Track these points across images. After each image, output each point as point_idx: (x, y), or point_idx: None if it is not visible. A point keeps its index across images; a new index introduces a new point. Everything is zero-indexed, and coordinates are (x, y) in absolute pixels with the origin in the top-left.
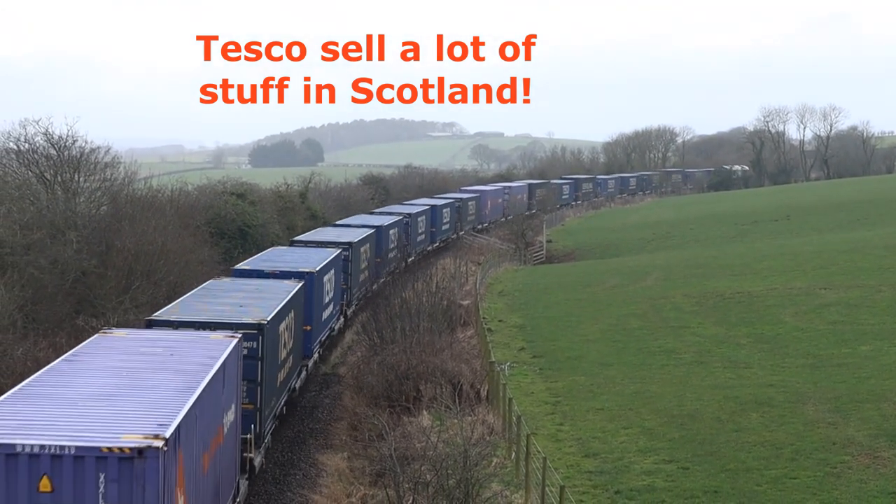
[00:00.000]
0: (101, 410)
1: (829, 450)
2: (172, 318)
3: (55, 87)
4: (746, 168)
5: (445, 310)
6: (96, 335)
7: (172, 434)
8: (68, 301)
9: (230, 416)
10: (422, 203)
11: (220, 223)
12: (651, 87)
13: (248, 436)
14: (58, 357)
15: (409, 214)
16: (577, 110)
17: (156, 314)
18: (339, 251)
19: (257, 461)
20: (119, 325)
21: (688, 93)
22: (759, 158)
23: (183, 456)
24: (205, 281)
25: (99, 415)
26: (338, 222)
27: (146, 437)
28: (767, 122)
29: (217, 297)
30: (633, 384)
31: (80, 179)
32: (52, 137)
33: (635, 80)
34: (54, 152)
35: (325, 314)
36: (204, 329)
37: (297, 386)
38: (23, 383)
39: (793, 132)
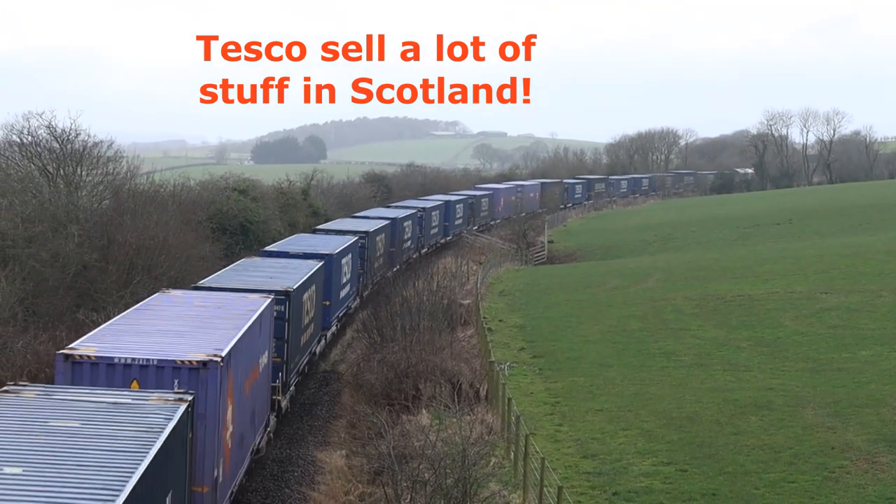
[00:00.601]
0: (171, 339)
1: (827, 454)
2: (214, 284)
3: (58, 81)
4: (752, 171)
5: (446, 309)
6: (157, 293)
7: (226, 355)
8: (69, 295)
9: (264, 360)
10: (436, 199)
11: (222, 219)
12: (654, 89)
13: (277, 383)
14: (57, 350)
15: (423, 209)
16: (581, 111)
17: (200, 282)
18: (356, 238)
19: (283, 404)
20: None
21: (691, 95)
22: (762, 162)
23: (232, 374)
24: (206, 276)
25: (171, 341)
26: (356, 214)
27: (208, 355)
28: (770, 125)
29: (250, 270)
30: (633, 386)
31: (83, 173)
32: (55, 131)
33: (639, 81)
34: (57, 146)
35: (343, 293)
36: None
37: (318, 350)
38: (106, 324)
39: (796, 136)
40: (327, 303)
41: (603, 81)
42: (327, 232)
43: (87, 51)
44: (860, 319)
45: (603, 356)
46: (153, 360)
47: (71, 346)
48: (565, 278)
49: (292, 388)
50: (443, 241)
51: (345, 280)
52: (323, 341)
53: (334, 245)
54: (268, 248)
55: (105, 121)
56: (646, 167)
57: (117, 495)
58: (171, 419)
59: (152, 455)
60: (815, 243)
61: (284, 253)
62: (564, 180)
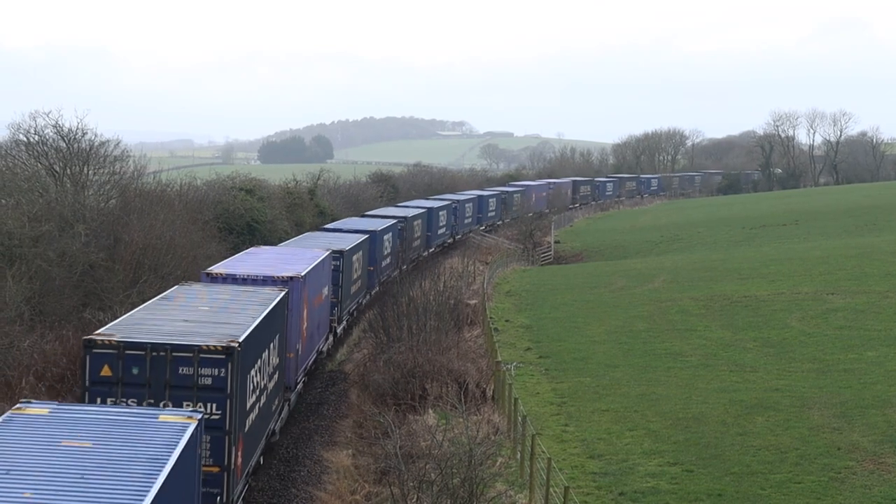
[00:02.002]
0: (268, 266)
1: (833, 455)
2: (290, 245)
3: (65, 79)
4: (780, 171)
5: (452, 309)
6: (252, 248)
7: (304, 275)
8: (76, 294)
9: (325, 291)
10: (470, 193)
11: (229, 218)
12: (661, 90)
13: (334, 315)
14: (63, 350)
15: (457, 201)
16: (587, 111)
17: (280, 244)
18: (395, 221)
19: (338, 329)
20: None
21: (698, 95)
22: (769, 163)
23: (307, 290)
24: None
25: (269, 267)
26: (399, 203)
27: (293, 274)
28: (777, 126)
29: (315, 239)
30: (639, 386)
31: (90, 172)
32: (62, 130)
33: (646, 82)
34: (64, 145)
35: (384, 263)
36: None
37: (363, 302)
38: (226, 260)
39: (802, 137)
40: (371, 268)
41: (610, 82)
42: (373, 216)
43: (95, 49)
44: (866, 320)
45: (609, 357)
46: (260, 275)
47: (208, 269)
48: (572, 279)
49: (344, 322)
50: (476, 228)
51: (386, 253)
52: (368, 296)
53: (378, 224)
54: (326, 225)
55: (112, 120)
56: (652, 168)
57: (259, 314)
58: (278, 296)
59: (271, 306)
60: (821, 244)
61: (338, 229)
62: (596, 178)
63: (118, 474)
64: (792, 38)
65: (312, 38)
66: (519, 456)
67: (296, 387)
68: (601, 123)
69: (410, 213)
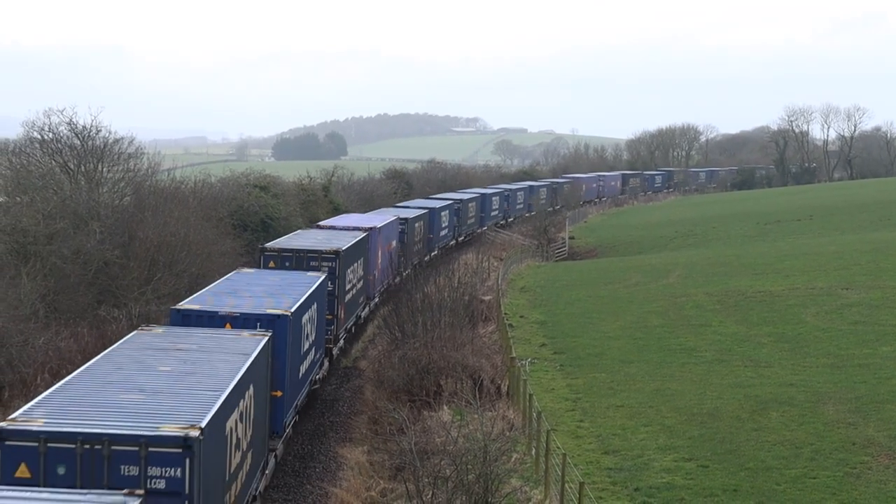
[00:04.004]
0: (356, 221)
1: (848, 450)
2: (370, 213)
3: (81, 77)
4: (796, 168)
5: (467, 305)
6: (342, 215)
7: (379, 227)
8: (90, 291)
9: (394, 244)
10: (523, 183)
11: (243, 215)
12: (675, 85)
13: (400, 265)
14: (77, 348)
15: (510, 189)
16: (601, 107)
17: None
18: (452, 202)
19: (403, 273)
20: (140, 317)
21: (712, 91)
22: (783, 158)
23: (381, 237)
24: (227, 272)
25: (356, 223)
26: (459, 190)
27: (372, 226)
28: (791, 121)
29: (388, 211)
30: (654, 382)
31: (104, 169)
32: (76, 127)
33: (660, 77)
34: (78, 142)
35: (441, 234)
36: None
37: (424, 260)
38: (327, 220)
39: (816, 132)
40: (430, 236)
41: (623, 78)
42: (435, 199)
43: (110, 48)
44: (881, 315)
45: (624, 352)
46: (352, 225)
47: (318, 222)
48: (586, 274)
49: (409, 270)
50: (527, 214)
51: (444, 226)
52: (428, 257)
53: (436, 204)
54: (398, 203)
55: (126, 117)
56: (666, 163)
57: (352, 241)
58: (363, 234)
59: (359, 238)
60: (835, 239)
61: (406, 206)
62: (645, 172)
63: (293, 285)
64: (806, 33)
65: (326, 36)
66: (534, 452)
67: (374, 298)
68: (615, 119)
69: (465, 196)
